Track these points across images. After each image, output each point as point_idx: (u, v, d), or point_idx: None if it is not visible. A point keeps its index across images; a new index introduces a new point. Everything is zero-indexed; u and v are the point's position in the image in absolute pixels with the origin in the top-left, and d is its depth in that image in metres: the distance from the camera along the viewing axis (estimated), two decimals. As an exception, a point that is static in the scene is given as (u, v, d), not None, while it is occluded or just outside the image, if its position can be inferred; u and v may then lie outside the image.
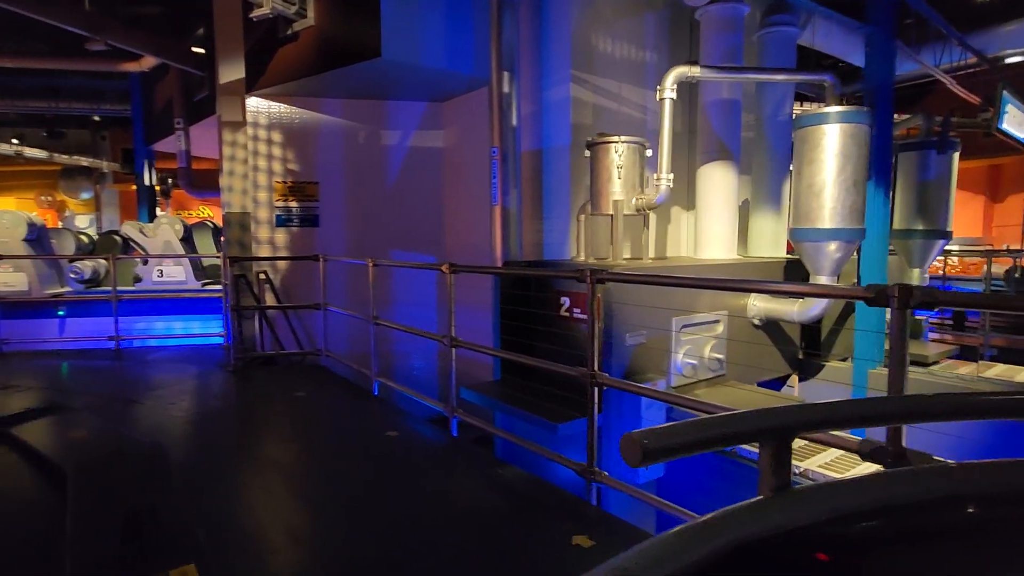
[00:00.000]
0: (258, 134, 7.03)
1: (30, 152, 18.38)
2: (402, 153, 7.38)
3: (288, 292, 7.15)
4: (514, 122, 5.41)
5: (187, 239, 10.37)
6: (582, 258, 5.11)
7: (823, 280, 4.43)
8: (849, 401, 0.85)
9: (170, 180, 17.76)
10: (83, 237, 10.77)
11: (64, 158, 19.44)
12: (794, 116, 4.39)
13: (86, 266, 9.46)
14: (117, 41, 6.59)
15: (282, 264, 7.13)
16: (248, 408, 4.98)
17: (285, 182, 7.08)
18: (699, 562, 0.59)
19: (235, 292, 6.17)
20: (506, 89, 5.35)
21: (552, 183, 5.72)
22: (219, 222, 12.32)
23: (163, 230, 9.77)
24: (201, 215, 21.80)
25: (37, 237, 8.58)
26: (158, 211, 14.10)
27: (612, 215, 4.66)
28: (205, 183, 11.56)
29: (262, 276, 7.00)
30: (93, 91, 12.54)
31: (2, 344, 6.99)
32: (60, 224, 20.19)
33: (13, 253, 8.08)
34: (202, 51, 8.42)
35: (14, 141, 18.45)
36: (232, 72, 7.07)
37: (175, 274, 9.59)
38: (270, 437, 4.28)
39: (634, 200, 4.63)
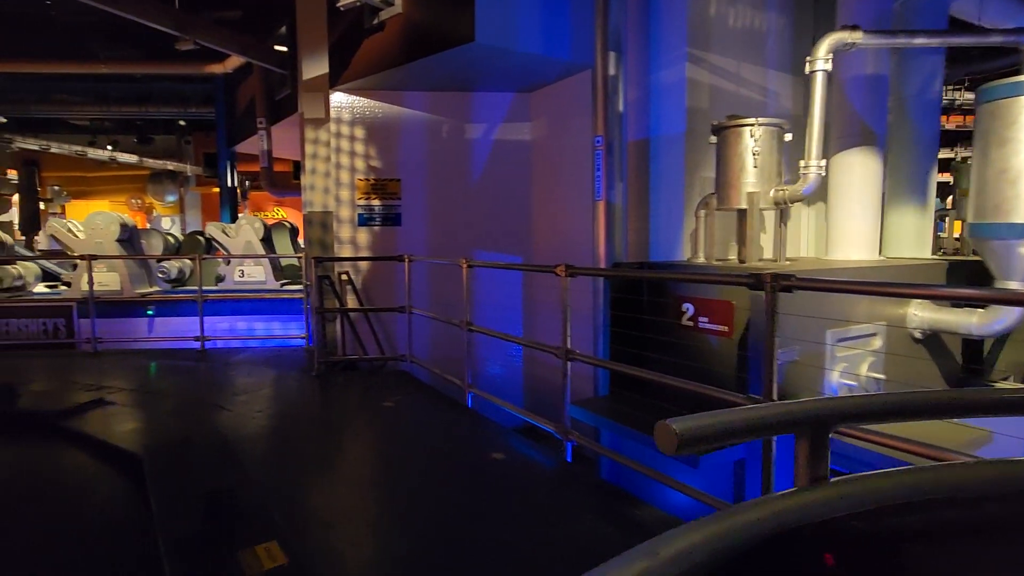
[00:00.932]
0: (341, 130, 6.81)
1: (123, 157, 19.42)
2: (487, 148, 6.98)
3: (368, 294, 6.90)
4: (620, 108, 4.88)
5: (266, 239, 10.42)
6: (701, 259, 4.51)
7: (1015, 286, 3.65)
8: (886, 394, 0.89)
9: (247, 182, 18.28)
10: (169, 238, 11.04)
11: (152, 163, 20.45)
12: (981, 88, 3.65)
13: (172, 266, 9.63)
14: (204, 40, 6.53)
15: (363, 265, 6.88)
16: (335, 418, 4.68)
17: (367, 179, 6.83)
18: (730, 550, 0.59)
19: (318, 293, 5.93)
20: (612, 72, 4.81)
21: (661, 176, 5.14)
22: (294, 223, 12.42)
23: (244, 231, 9.83)
24: (275, 216, 22.39)
25: (129, 238, 8.76)
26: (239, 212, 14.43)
27: (745, 209, 4.04)
28: (284, 183, 11.65)
29: (344, 277, 6.77)
30: (179, 95, 12.94)
31: (96, 343, 7.08)
32: (148, 225, 21.22)
33: (107, 253, 8.25)
34: (284, 49, 8.34)
35: (109, 147, 19.54)
36: (315, 68, 6.88)
37: (255, 274, 9.62)
38: (359, 451, 3.94)
39: (772, 191, 4.00)
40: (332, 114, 6.74)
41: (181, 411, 4.73)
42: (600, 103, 4.83)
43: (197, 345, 7.16)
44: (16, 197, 16.87)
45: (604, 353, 4.63)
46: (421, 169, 6.92)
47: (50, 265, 9.80)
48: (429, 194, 6.96)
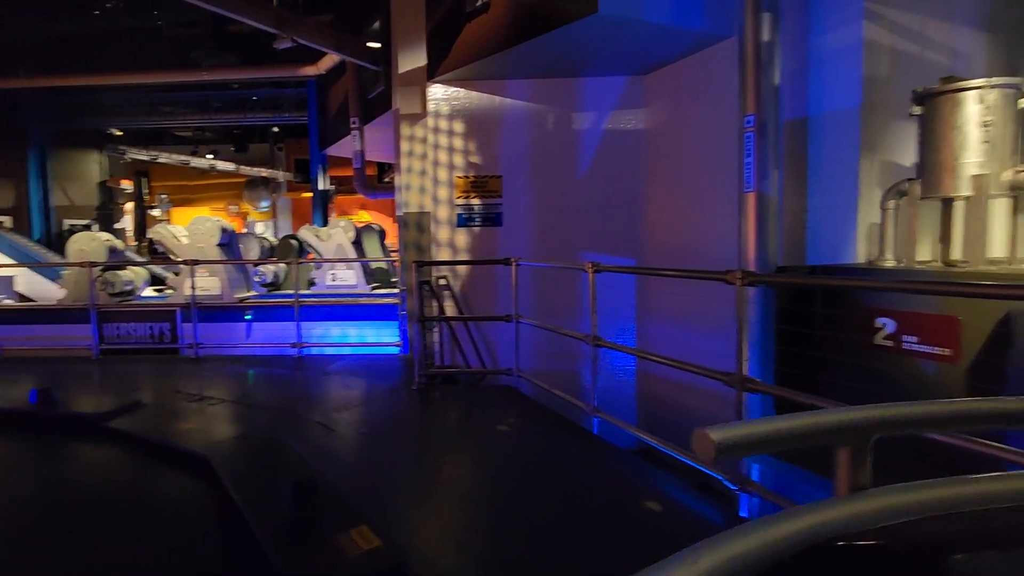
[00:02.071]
0: (438, 125, 6.37)
1: (221, 165, 20.38)
2: (595, 139, 6.31)
3: (466, 300, 6.42)
4: (776, 81, 4.07)
5: (357, 243, 10.26)
6: (889, 262, 3.62)
7: None
8: (931, 402, 0.82)
9: (334, 186, 18.60)
10: (264, 242, 11.17)
11: (248, 170, 21.36)
12: None
13: (268, 270, 9.65)
14: (302, 36, 6.32)
15: (461, 269, 6.41)
16: (444, 443, 4.16)
17: (467, 177, 6.35)
18: (766, 558, 0.58)
19: (419, 300, 5.49)
20: (766, 37, 4.02)
21: (824, 161, 4.27)
22: (381, 226, 12.28)
23: (336, 234, 9.70)
24: (360, 220, 22.78)
25: (228, 242, 8.80)
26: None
27: (969, 196, 3.14)
28: (371, 186, 11.54)
29: (442, 282, 6.32)
30: (274, 101, 13.23)
31: (198, 348, 7.04)
32: (244, 230, 22.18)
33: (209, 258, 8.29)
34: (377, 45, 8.05)
35: (209, 156, 20.57)
36: (411, 60, 6.49)
37: (347, 278, 9.45)
38: (475, 488, 3.38)
39: (1010, 173, 3.07)
40: (430, 107, 6.32)
41: (281, 426, 4.39)
42: (751, 76, 4.05)
43: (293, 352, 6.96)
44: (129, 205, 18.02)
45: (761, 375, 3.84)
46: (524, 164, 6.36)
47: (157, 269, 10.10)
48: (532, 191, 6.39)
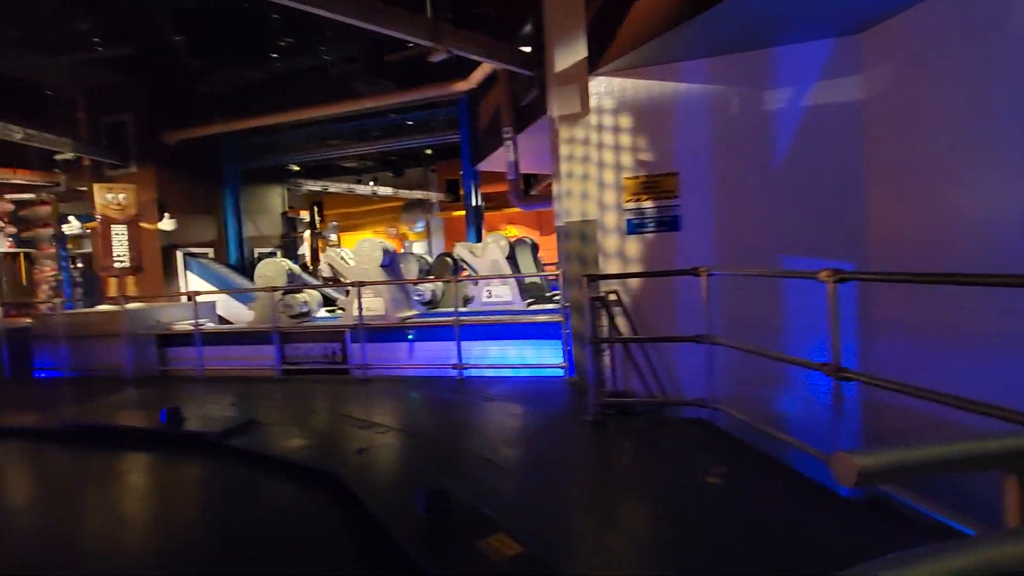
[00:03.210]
0: (602, 122, 5.73)
1: (382, 191, 21.79)
2: (793, 119, 5.23)
3: (641, 317, 5.65)
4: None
5: (510, 257, 9.96)
6: None
7: None
8: None
9: (483, 202, 18.90)
10: (422, 261, 11.36)
11: (405, 193, 22.63)
12: None
13: (426, 288, 9.71)
14: (456, 46, 6.09)
15: (633, 282, 5.66)
16: (640, 497, 3.42)
17: (637, 177, 5.62)
18: None
19: (590, 318, 4.85)
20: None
21: None
22: (533, 239, 11.93)
23: (491, 249, 9.47)
24: (509, 235, 22.95)
25: (390, 263, 8.95)
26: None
27: None
28: (528, 197, 11.29)
29: (612, 297, 5.63)
30: (427, 124, 13.65)
31: (367, 368, 7.09)
32: (402, 250, 23.49)
33: (373, 279, 8.46)
34: (528, 49, 7.66)
35: (371, 183, 22.13)
36: (569, 55, 5.94)
37: (502, 294, 9.16)
38: (694, 568, 2.60)
39: None
40: (592, 103, 5.70)
41: (446, 461, 3.99)
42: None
43: (455, 374, 6.71)
44: (306, 233, 19.87)
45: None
46: (703, 157, 5.47)
47: (329, 291, 10.69)
48: (714, 188, 5.46)
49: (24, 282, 13.68)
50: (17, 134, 11.86)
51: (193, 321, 8.04)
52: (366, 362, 7.12)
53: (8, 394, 8.16)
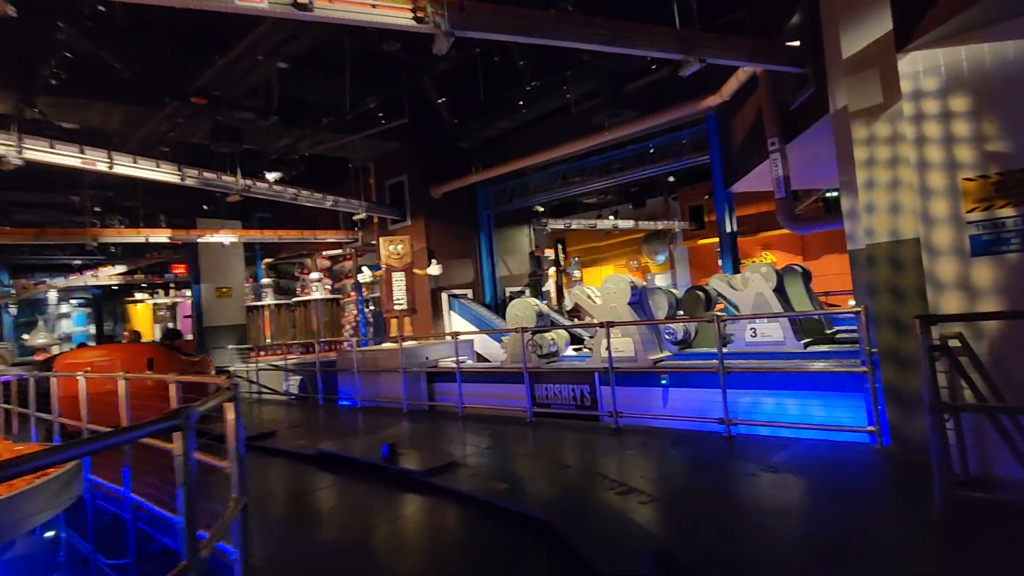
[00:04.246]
0: (921, 110, 4.32)
1: (622, 224, 21.52)
2: None
3: (1005, 374, 3.97)
4: None
5: (778, 289, 8.47)
6: None
7: None
8: None
9: (737, 227, 17.16)
10: (670, 296, 10.48)
11: (645, 224, 21.98)
12: None
13: (677, 327, 8.81)
14: (710, 51, 5.40)
15: (990, 325, 4.04)
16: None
17: (986, 176, 4.05)
18: None
19: (930, 377, 3.49)
20: None
21: None
22: (806, 267, 10.11)
23: (754, 280, 8.16)
24: (763, 261, 20.48)
25: (639, 300, 8.34)
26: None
27: None
28: (802, 216, 9.67)
29: (954, 343, 4.09)
30: (672, 148, 12.90)
31: (618, 417, 6.53)
32: (644, 284, 22.74)
33: (621, 317, 7.95)
34: (796, 44, 6.46)
35: (611, 217, 22.06)
36: (864, 33, 4.71)
37: (770, 332, 7.74)
38: None
39: None
40: (905, 88, 4.35)
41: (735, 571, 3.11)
42: None
43: (720, 429, 5.70)
44: (551, 271, 20.56)
45: None
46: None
47: (577, 329, 10.52)
48: None
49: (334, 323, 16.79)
50: (328, 202, 14.71)
51: (455, 359, 8.52)
52: (617, 409, 6.55)
53: (308, 418, 9.71)
